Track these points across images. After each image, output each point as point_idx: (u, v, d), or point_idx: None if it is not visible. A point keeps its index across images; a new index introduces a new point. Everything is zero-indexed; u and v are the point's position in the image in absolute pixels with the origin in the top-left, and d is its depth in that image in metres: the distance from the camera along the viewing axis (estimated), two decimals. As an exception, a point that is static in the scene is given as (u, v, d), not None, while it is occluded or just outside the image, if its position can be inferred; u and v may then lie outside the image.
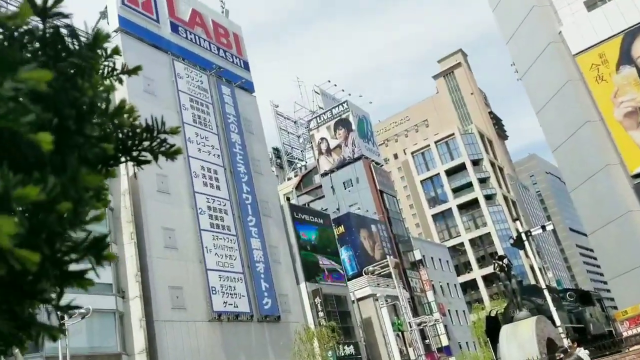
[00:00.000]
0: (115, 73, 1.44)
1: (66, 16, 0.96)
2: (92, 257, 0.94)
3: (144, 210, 27.74)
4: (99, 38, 1.04)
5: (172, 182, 29.81)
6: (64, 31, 1.02)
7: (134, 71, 1.55)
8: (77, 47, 1.00)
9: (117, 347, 24.72)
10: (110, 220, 26.32)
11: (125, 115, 1.18)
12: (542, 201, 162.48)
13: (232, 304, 30.17)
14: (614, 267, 37.06)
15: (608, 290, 60.06)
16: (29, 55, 1.00)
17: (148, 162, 1.48)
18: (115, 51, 1.36)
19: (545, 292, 23.91)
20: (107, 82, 1.38)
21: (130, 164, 1.42)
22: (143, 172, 26.02)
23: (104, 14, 34.39)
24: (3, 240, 0.70)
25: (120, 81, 1.54)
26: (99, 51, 1.11)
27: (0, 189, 0.73)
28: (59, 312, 1.00)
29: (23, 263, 0.74)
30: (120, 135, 1.26)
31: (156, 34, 34.49)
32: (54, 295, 1.08)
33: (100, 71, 1.32)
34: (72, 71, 0.99)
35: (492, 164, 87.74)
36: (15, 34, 0.94)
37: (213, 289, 29.37)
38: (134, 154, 1.37)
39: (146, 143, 1.36)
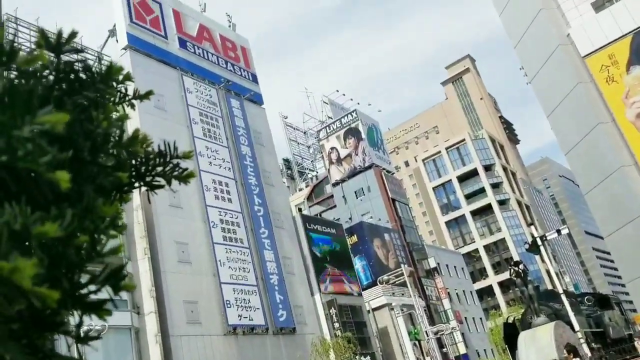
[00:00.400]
0: (127, 98, 1.46)
1: (79, 51, 0.98)
2: (110, 287, 0.95)
3: (156, 226, 27.88)
4: (112, 71, 1.06)
5: (184, 197, 29.95)
6: (77, 64, 1.04)
7: (146, 96, 1.57)
8: (90, 80, 1.02)
9: (134, 363, 24.76)
10: (124, 237, 26.48)
11: (139, 144, 1.19)
12: (556, 205, 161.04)
13: (247, 317, 30.15)
14: (631, 270, 36.56)
15: (626, 293, 59.22)
16: (41, 87, 1.02)
17: (162, 186, 1.50)
18: (127, 77, 1.38)
19: (563, 297, 23.64)
20: (119, 108, 1.40)
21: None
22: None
23: (112, 32, 34.87)
24: (25, 282, 0.71)
25: (133, 106, 1.56)
26: (112, 82, 1.13)
27: (20, 227, 0.74)
28: (78, 344, 1.00)
29: (43, 300, 0.75)
30: (133, 162, 1.28)
31: (165, 50, 34.85)
32: (72, 323, 1.09)
33: (113, 98, 1.34)
34: (86, 103, 1.01)
35: (505, 169, 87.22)
36: (30, 69, 0.96)
37: (227, 302, 29.37)
38: (148, 179, 1.39)
39: (159, 168, 1.38)
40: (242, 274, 31.31)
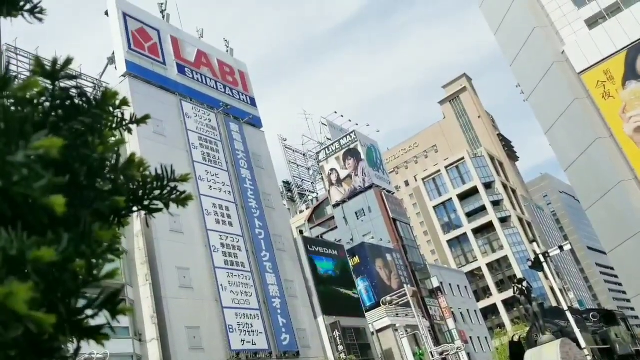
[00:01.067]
0: (124, 123, 1.47)
1: (74, 77, 0.99)
2: (107, 311, 0.94)
3: (157, 251, 27.75)
4: (107, 96, 1.07)
5: (185, 221, 29.88)
6: (73, 90, 1.06)
7: (143, 120, 1.58)
8: (86, 106, 1.03)
9: (136, 391, 24.42)
10: (125, 263, 26.34)
11: (136, 168, 1.20)
12: (557, 221, 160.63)
13: (250, 342, 29.83)
14: (636, 285, 36.34)
15: (632, 309, 58.71)
16: (37, 114, 1.03)
17: (160, 210, 1.50)
18: (124, 102, 1.39)
19: (568, 314, 23.40)
20: (116, 133, 1.41)
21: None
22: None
23: (111, 60, 35.20)
24: (20, 307, 0.70)
25: (130, 131, 1.57)
26: (108, 108, 1.14)
27: (16, 252, 0.74)
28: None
29: (39, 325, 0.75)
30: (131, 186, 1.28)
31: (163, 76, 35.14)
32: (70, 349, 1.08)
33: (110, 123, 1.35)
34: (82, 129, 1.02)
35: (505, 186, 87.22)
36: (27, 95, 0.97)
37: (230, 327, 29.10)
38: (146, 203, 1.39)
39: (157, 192, 1.38)
40: (244, 298, 31.08)
